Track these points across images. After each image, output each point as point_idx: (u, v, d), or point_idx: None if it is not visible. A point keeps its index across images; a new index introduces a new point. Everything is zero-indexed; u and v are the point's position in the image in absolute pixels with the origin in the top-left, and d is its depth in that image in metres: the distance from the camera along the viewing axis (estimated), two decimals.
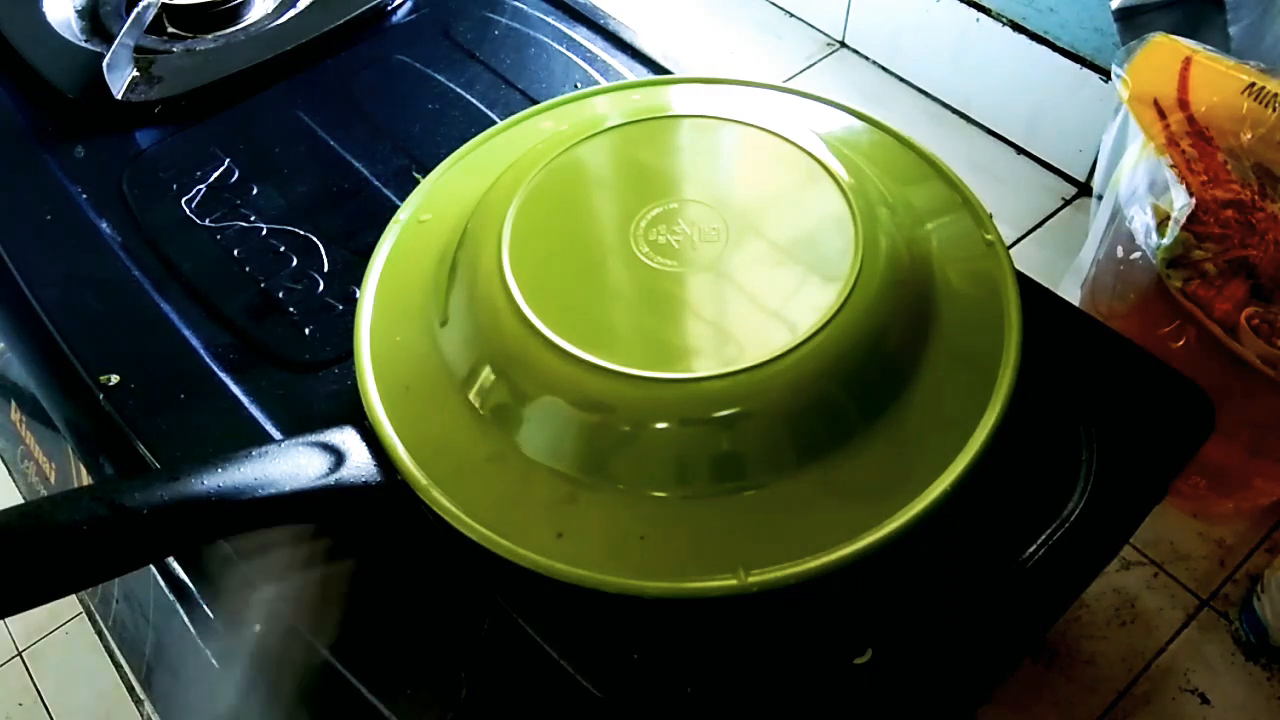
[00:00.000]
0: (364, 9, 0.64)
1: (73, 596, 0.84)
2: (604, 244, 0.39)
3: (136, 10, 0.61)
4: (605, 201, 0.42)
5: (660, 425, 0.34)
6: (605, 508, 0.35)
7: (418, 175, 0.48)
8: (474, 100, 0.59)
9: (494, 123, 0.53)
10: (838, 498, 0.34)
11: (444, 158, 0.49)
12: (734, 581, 0.32)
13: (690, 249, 0.38)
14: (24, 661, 0.84)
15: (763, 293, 0.38)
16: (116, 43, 0.59)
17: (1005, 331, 0.37)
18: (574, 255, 0.40)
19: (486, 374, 0.37)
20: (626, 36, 0.63)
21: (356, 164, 0.55)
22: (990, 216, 0.42)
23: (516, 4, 0.67)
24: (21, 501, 0.36)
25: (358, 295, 0.43)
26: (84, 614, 0.85)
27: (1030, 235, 0.89)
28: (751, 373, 0.34)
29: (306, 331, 0.48)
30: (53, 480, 0.63)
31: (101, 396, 0.45)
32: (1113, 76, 0.66)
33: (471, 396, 0.38)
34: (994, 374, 0.36)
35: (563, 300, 0.37)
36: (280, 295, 0.49)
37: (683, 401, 0.34)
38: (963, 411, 0.35)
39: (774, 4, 1.12)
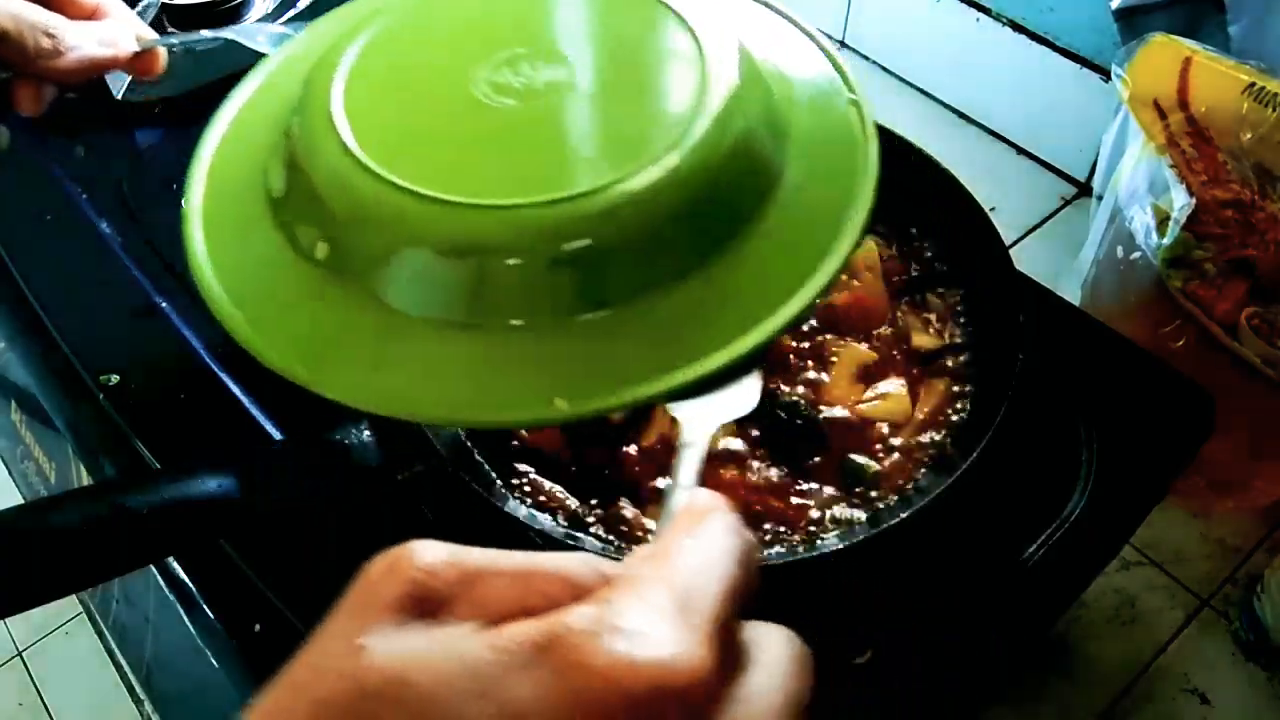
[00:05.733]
0: None
1: (73, 596, 0.84)
2: (443, 87, 0.39)
3: (136, 10, 0.61)
4: (450, 49, 0.41)
5: (484, 252, 0.33)
6: (428, 342, 0.34)
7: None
8: None
9: None
10: (670, 330, 0.33)
11: None
12: (546, 413, 0.32)
13: (533, 92, 0.38)
14: (24, 661, 0.85)
15: (600, 129, 0.37)
16: None
17: (859, 179, 0.36)
18: (410, 97, 0.39)
19: (307, 203, 0.36)
20: None
21: None
22: (852, 80, 0.39)
23: None
24: (21, 501, 0.36)
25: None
26: (84, 614, 0.85)
27: (1030, 235, 0.89)
28: (578, 200, 0.33)
29: None
30: (53, 480, 0.63)
31: (101, 396, 0.45)
32: (1113, 76, 0.66)
33: (294, 230, 0.37)
34: (843, 218, 0.35)
35: (392, 136, 0.36)
36: None
37: (507, 227, 0.33)
38: (809, 253, 0.34)
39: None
